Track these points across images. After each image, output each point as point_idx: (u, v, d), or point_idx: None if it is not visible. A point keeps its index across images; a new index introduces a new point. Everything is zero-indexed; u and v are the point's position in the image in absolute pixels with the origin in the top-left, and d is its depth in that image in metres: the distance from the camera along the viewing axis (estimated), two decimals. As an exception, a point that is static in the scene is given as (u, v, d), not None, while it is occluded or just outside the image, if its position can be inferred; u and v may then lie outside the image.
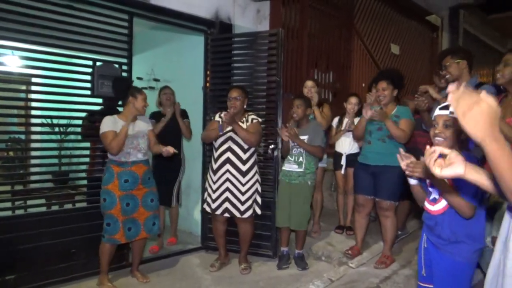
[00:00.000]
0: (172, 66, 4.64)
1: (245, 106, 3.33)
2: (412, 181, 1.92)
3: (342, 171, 4.04)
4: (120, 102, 3.21)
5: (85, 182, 3.66)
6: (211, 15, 3.89)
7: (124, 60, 3.33)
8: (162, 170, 3.78)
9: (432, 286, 1.94)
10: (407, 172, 1.85)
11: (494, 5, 8.47)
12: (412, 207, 4.10)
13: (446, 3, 6.97)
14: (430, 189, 1.93)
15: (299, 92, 4.05)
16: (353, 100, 3.99)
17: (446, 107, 1.80)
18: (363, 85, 5.74)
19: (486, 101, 0.90)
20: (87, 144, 3.46)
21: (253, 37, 3.89)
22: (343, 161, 4.01)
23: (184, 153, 3.99)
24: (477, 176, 1.07)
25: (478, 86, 2.77)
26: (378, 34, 6.26)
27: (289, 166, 3.43)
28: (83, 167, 3.79)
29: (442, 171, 1.09)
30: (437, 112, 1.83)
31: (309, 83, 3.99)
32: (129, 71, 3.37)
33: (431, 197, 1.93)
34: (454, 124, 1.76)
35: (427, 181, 1.95)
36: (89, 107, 3.32)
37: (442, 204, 1.87)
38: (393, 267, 3.41)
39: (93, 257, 3.04)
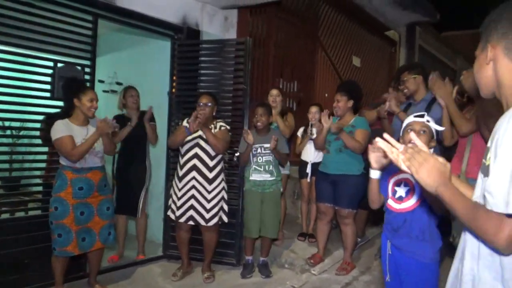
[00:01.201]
0: (136, 70, 4.53)
1: (214, 113, 3.32)
2: (374, 174, 1.86)
3: (308, 179, 4.12)
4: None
5: (39, 188, 3.47)
6: (179, 21, 3.86)
7: (87, 62, 3.22)
8: (126, 177, 3.66)
9: None
10: (370, 152, 1.72)
11: (446, 23, 9.05)
12: (371, 215, 4.25)
13: (404, 20, 7.33)
14: (397, 188, 2.01)
15: (263, 100, 4.09)
16: (313, 109, 4.09)
17: (421, 116, 1.91)
18: (326, 95, 5.90)
19: (433, 157, 1.05)
20: (43, 149, 3.28)
21: (221, 44, 3.89)
22: (309, 169, 4.09)
23: (151, 159, 3.87)
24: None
25: (433, 101, 2.94)
26: (340, 46, 6.47)
27: (261, 176, 3.43)
28: (37, 172, 3.59)
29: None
30: (412, 119, 1.94)
31: (274, 92, 4.05)
32: (92, 73, 3.26)
33: (397, 196, 2.00)
34: (428, 132, 1.88)
35: (392, 181, 2.02)
36: (48, 110, 3.16)
37: (411, 202, 1.95)
38: (354, 273, 3.51)
39: (49, 267, 2.87)
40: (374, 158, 1.72)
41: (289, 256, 3.77)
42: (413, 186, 1.96)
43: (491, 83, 1.12)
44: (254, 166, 3.45)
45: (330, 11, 6.17)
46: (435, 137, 1.91)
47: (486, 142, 2.31)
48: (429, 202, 1.85)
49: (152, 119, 3.73)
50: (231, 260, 3.67)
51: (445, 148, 2.91)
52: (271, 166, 3.43)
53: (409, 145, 1.10)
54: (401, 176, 2.00)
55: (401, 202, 1.98)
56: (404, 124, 1.96)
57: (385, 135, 1.22)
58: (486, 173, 0.99)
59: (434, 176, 1.03)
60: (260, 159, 3.44)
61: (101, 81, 4.64)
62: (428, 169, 1.03)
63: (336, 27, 6.36)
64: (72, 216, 2.75)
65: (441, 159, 1.05)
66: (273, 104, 3.99)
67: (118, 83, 4.71)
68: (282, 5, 4.97)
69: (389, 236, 2.05)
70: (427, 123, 1.88)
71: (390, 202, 2.02)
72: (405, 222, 1.96)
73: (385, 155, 1.71)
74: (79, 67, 3.18)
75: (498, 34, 1.07)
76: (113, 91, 4.68)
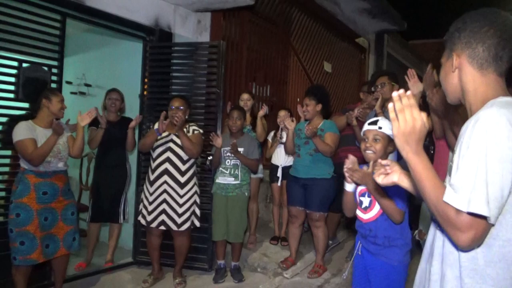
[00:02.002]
0: (106, 72, 4.43)
1: (186, 117, 3.29)
2: (349, 187, 2.02)
3: (278, 183, 4.14)
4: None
5: (2, 194, 3.31)
6: (151, 22, 3.80)
7: (55, 63, 3.11)
8: (105, 182, 3.55)
9: None
10: (346, 175, 1.95)
11: (413, 32, 9.39)
12: (342, 217, 4.33)
13: (373, 28, 7.55)
14: (361, 198, 2.07)
15: (235, 104, 4.09)
16: (282, 113, 4.14)
17: (374, 123, 1.97)
18: (298, 100, 5.97)
19: (423, 120, 1.00)
20: (6, 152, 3.13)
21: (193, 47, 3.86)
22: (279, 173, 4.12)
23: (130, 163, 3.74)
24: (408, 184, 1.20)
25: None
26: (312, 52, 6.57)
27: (224, 179, 3.43)
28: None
29: (382, 180, 1.21)
30: (366, 127, 2.00)
31: (245, 96, 4.07)
32: (60, 74, 3.16)
33: (363, 206, 2.07)
34: (382, 138, 1.93)
35: (358, 191, 2.09)
36: (12, 112, 3.02)
37: (374, 211, 2.02)
38: (325, 276, 3.55)
39: (9, 280, 2.72)
40: (356, 175, 1.88)
41: (261, 260, 3.77)
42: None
43: (457, 90, 1.16)
44: (221, 169, 3.45)
45: (302, 17, 6.27)
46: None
47: (450, 148, 2.42)
48: (382, 209, 1.93)
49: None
50: (203, 265, 3.63)
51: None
52: (237, 170, 3.42)
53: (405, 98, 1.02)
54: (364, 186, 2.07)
55: (366, 212, 2.05)
56: (361, 132, 2.04)
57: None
58: (450, 173, 1.03)
59: (413, 139, 0.99)
60: (228, 162, 3.43)
61: (68, 83, 4.51)
62: (412, 129, 0.98)
63: (308, 33, 6.46)
64: (37, 222, 2.63)
65: (426, 126, 1.01)
66: (244, 108, 4.01)
67: (87, 85, 4.59)
68: (255, 9, 5.01)
69: (360, 239, 2.11)
70: (379, 130, 1.94)
71: (358, 212, 2.09)
72: (370, 231, 2.02)
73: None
74: (45, 68, 3.06)
75: (462, 43, 1.12)
76: (81, 93, 4.55)
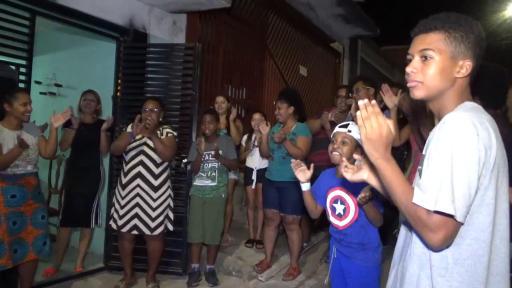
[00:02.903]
0: (78, 72, 4.31)
1: (160, 119, 3.24)
2: (304, 187, 2.04)
3: (253, 186, 4.15)
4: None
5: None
6: (125, 22, 3.73)
7: (23, 62, 3.00)
8: (78, 186, 3.43)
9: None
10: (295, 173, 1.97)
11: (386, 38, 9.64)
12: (315, 220, 4.37)
13: (347, 33, 7.71)
14: (334, 205, 2.11)
15: (210, 107, 4.08)
16: (257, 116, 4.16)
17: (345, 126, 2.01)
18: (274, 103, 6.00)
19: (389, 126, 1.04)
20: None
21: (169, 48, 3.82)
22: (254, 176, 4.12)
23: (104, 166, 3.64)
24: (376, 183, 1.24)
25: (381, 111, 3.12)
26: (288, 55, 6.63)
27: (202, 182, 3.41)
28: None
29: (352, 176, 1.27)
30: (336, 129, 2.04)
31: (220, 99, 4.08)
32: (28, 74, 3.04)
33: (337, 213, 2.10)
34: (350, 142, 1.97)
35: (329, 198, 2.13)
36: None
37: (349, 218, 2.06)
38: (300, 278, 3.58)
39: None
40: (299, 173, 1.94)
41: (236, 263, 3.76)
42: (348, 204, 2.07)
43: (437, 89, 1.16)
44: (199, 172, 3.42)
45: (279, 21, 6.32)
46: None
47: (420, 150, 2.50)
48: (369, 217, 1.98)
49: (108, 129, 3.55)
50: (177, 269, 3.58)
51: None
52: (214, 172, 3.41)
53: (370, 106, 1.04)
54: (336, 193, 2.11)
55: (341, 219, 2.08)
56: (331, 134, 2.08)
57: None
58: (420, 176, 1.06)
59: (380, 145, 1.02)
60: (206, 166, 3.41)
61: (38, 82, 4.36)
62: (379, 135, 1.02)
63: (284, 37, 6.52)
64: (5, 227, 2.54)
65: (393, 132, 1.04)
66: (219, 110, 4.02)
67: (57, 85, 4.45)
68: (232, 12, 5.01)
69: (335, 243, 2.15)
70: (348, 133, 1.98)
71: (332, 219, 2.12)
72: (345, 236, 2.07)
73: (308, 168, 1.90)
74: (13, 67, 2.95)
75: (470, 49, 1.11)
76: (51, 93, 4.41)
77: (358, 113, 1.05)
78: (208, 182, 3.40)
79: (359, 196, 1.85)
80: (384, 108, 3.13)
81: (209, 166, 3.41)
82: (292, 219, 3.50)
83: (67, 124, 3.25)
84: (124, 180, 3.15)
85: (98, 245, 3.86)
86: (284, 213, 3.52)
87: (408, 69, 1.15)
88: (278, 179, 3.50)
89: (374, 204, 1.94)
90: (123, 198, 3.14)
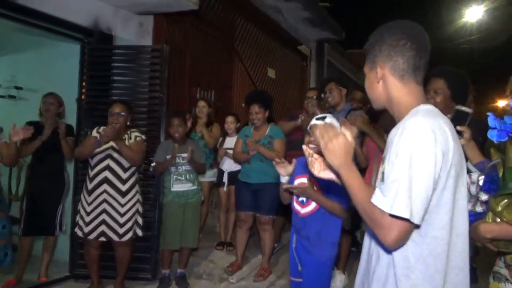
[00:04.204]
0: (40, 74, 4.15)
1: (128, 123, 3.18)
2: (284, 179, 2.19)
3: (225, 188, 4.15)
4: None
5: None
6: (89, 24, 3.64)
7: (-21, 64, 2.87)
8: (41, 192, 3.31)
9: (301, 280, 2.21)
10: (277, 168, 2.16)
11: (350, 42, 9.91)
12: (286, 220, 4.43)
13: (314, 36, 7.85)
14: None
15: (180, 109, 4.05)
16: (230, 119, 4.18)
17: (322, 119, 2.06)
18: (243, 105, 6.03)
19: (344, 135, 1.12)
20: None
21: (135, 50, 3.77)
22: (225, 178, 4.13)
23: (68, 172, 3.51)
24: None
25: (350, 111, 3.22)
26: (256, 58, 6.68)
27: (183, 186, 3.39)
28: None
29: (319, 172, 1.33)
30: (313, 122, 2.09)
31: (201, 103, 4.11)
32: (-15, 76, 2.91)
33: (300, 199, 2.18)
34: None
35: (296, 182, 2.23)
36: None
37: (311, 206, 2.14)
38: (270, 278, 3.61)
39: None
40: (281, 169, 2.12)
41: (207, 266, 3.74)
42: None
43: (382, 98, 1.26)
44: (175, 177, 3.39)
45: (246, 23, 6.35)
46: None
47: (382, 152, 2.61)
48: (326, 209, 2.07)
49: (71, 133, 3.43)
50: (146, 275, 3.52)
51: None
52: (192, 175, 3.42)
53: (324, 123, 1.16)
54: (302, 180, 2.19)
55: (304, 206, 2.16)
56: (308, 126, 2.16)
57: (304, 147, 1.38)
58: (382, 179, 1.11)
59: (340, 154, 1.11)
60: (180, 169, 3.39)
61: (-4, 85, 4.17)
62: (336, 145, 1.11)
63: (252, 39, 6.56)
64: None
65: (350, 140, 1.13)
66: (200, 114, 4.04)
67: (17, 88, 4.27)
68: (200, 14, 4.98)
69: (295, 233, 2.24)
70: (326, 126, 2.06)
71: (295, 204, 2.20)
72: (305, 225, 2.15)
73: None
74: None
75: (384, 56, 1.21)
76: (11, 96, 4.23)
77: (317, 132, 1.16)
78: (190, 186, 3.40)
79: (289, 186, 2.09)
80: (355, 109, 3.24)
81: (184, 169, 3.40)
82: (267, 219, 3.55)
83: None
84: (90, 186, 3.06)
85: (63, 253, 3.73)
86: (259, 214, 3.56)
87: None
88: (255, 181, 3.55)
89: (330, 198, 2.05)
90: (89, 204, 3.05)
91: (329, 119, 2.06)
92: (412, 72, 1.19)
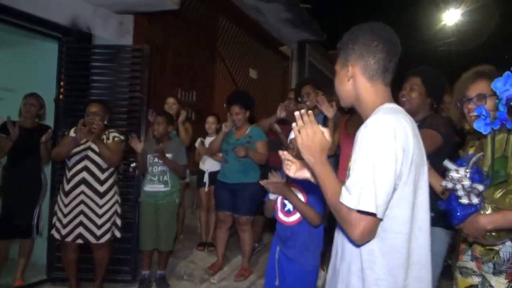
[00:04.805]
0: (16, 73, 4.05)
1: (106, 122, 3.14)
2: (273, 196, 2.17)
3: (206, 188, 4.15)
4: None
5: None
6: (68, 22, 3.58)
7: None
8: (17, 194, 3.22)
9: None
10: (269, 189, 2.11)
11: (332, 42, 10.01)
12: (267, 220, 4.46)
13: (295, 37, 7.92)
14: (285, 201, 2.18)
15: (161, 109, 4.03)
16: (210, 119, 4.19)
17: None
18: (225, 105, 6.03)
19: (322, 133, 1.16)
20: None
21: (115, 50, 3.72)
22: (206, 179, 4.13)
23: (45, 173, 3.44)
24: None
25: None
26: (238, 58, 6.69)
27: (154, 187, 3.35)
28: None
29: (294, 173, 1.36)
30: (292, 135, 2.11)
31: (170, 100, 4.07)
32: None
33: (286, 209, 2.18)
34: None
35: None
36: None
37: (297, 215, 2.14)
38: (251, 278, 3.64)
39: None
40: (272, 186, 2.07)
41: (188, 267, 3.74)
42: None
43: (351, 96, 1.29)
44: (149, 177, 3.36)
45: (228, 23, 6.35)
46: None
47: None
48: (300, 213, 2.09)
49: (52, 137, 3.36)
50: (126, 276, 3.48)
51: None
52: (165, 177, 3.37)
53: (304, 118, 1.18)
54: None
55: (290, 216, 2.16)
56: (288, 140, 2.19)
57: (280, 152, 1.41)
58: (348, 176, 1.16)
59: (316, 151, 1.14)
60: (155, 169, 3.36)
61: (-31, 84, 4.05)
62: (313, 141, 1.14)
63: (234, 40, 6.56)
64: None
65: (327, 137, 1.16)
66: (169, 111, 3.99)
67: (-7, 87, 4.15)
68: (181, 14, 4.96)
69: (279, 244, 2.22)
70: None
71: (280, 215, 2.20)
72: (292, 234, 2.14)
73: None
74: None
75: (356, 55, 1.24)
76: (-14, 95, 4.10)
77: (294, 124, 1.17)
78: (161, 187, 3.35)
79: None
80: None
81: (159, 169, 3.36)
82: (246, 220, 3.56)
83: (5, 130, 3.07)
84: (67, 187, 3.01)
85: (40, 256, 3.65)
86: (238, 214, 3.56)
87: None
88: (232, 181, 3.55)
89: (310, 205, 2.05)
90: (66, 206, 3.00)
91: None
92: (381, 73, 1.23)
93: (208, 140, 4.15)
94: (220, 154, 3.86)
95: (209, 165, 4.12)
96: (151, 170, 3.36)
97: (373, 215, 1.06)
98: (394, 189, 1.10)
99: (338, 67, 1.32)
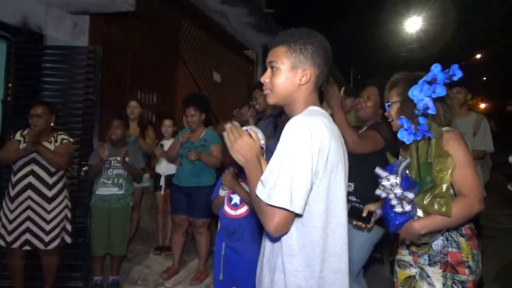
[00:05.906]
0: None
1: (52, 124, 3.06)
2: (222, 192, 2.24)
3: (162, 192, 4.12)
4: None
5: None
6: (17, 22, 3.48)
7: None
8: None
9: None
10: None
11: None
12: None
13: (259, 41, 7.99)
14: (232, 195, 2.24)
15: (119, 112, 3.97)
16: (167, 122, 4.17)
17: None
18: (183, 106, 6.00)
19: (248, 135, 1.23)
20: None
21: (68, 51, 3.64)
22: (162, 182, 4.10)
23: None
24: None
25: (279, 115, 3.32)
26: (202, 61, 6.68)
27: (107, 190, 3.30)
28: None
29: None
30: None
31: (133, 103, 4.02)
32: None
33: (233, 202, 2.23)
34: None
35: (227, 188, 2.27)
36: None
37: (244, 208, 2.19)
38: (207, 281, 3.64)
39: None
40: (226, 181, 2.17)
41: (142, 271, 3.69)
42: None
43: (285, 96, 1.31)
44: (102, 180, 3.31)
45: (191, 26, 6.34)
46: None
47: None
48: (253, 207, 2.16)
49: None
50: (77, 283, 3.39)
51: None
52: (120, 179, 3.33)
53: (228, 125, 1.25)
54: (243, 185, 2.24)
55: (237, 209, 2.21)
56: None
57: None
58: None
59: (245, 151, 1.21)
60: (110, 172, 3.32)
61: None
62: (241, 144, 1.21)
63: (197, 42, 6.56)
64: None
65: (254, 138, 1.23)
66: (130, 115, 3.95)
67: None
68: (142, 15, 4.91)
69: (224, 239, 2.26)
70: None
71: (226, 208, 2.24)
72: (240, 227, 2.19)
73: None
74: None
75: (308, 59, 1.27)
76: None
77: (224, 134, 1.24)
78: (115, 190, 3.30)
79: None
80: (279, 114, 3.34)
81: (114, 172, 3.32)
82: (201, 223, 3.56)
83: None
84: (12, 192, 2.91)
85: (-14, 263, 3.50)
86: (193, 218, 3.55)
87: (262, 78, 1.35)
88: (187, 185, 3.53)
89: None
90: (11, 212, 2.90)
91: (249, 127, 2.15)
92: (316, 78, 1.30)
93: (166, 143, 4.12)
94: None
95: (165, 168, 4.09)
96: (106, 173, 3.31)
97: (287, 209, 1.11)
98: (311, 186, 1.16)
99: (285, 65, 1.28)
